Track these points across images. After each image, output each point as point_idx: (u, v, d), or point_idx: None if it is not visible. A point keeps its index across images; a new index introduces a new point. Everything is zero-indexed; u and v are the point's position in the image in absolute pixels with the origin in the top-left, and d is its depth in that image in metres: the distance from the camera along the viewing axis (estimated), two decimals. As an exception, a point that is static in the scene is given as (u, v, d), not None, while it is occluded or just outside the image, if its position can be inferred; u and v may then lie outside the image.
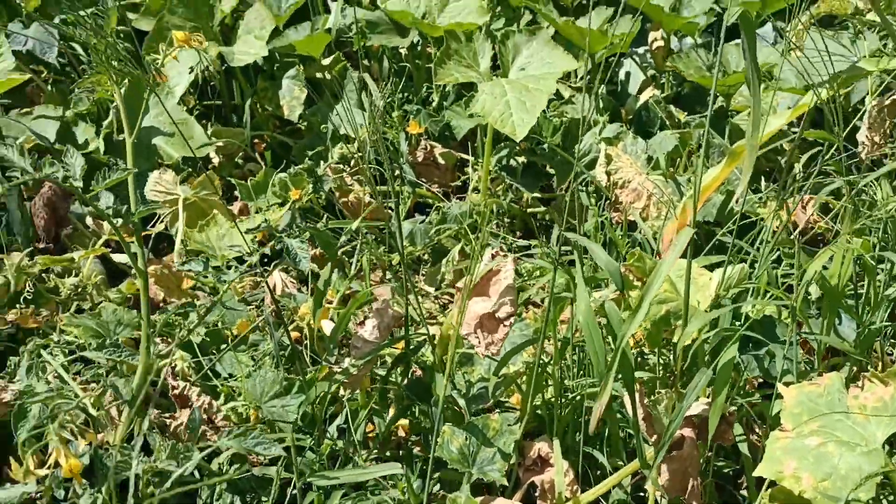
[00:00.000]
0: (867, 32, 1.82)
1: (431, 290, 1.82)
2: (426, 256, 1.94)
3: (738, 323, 1.18)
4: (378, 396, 1.27)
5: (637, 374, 1.17)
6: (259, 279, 1.79)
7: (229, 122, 2.33)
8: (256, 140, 2.28)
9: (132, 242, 1.00)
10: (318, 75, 2.27)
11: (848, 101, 1.87)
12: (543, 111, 1.84)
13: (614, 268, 1.01)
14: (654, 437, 1.06)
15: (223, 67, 2.25)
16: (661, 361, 1.27)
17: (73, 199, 1.73)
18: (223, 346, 1.41)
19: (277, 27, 2.22)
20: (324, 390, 1.12)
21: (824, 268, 1.16)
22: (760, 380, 1.37)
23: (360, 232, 1.72)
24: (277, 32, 2.22)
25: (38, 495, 0.90)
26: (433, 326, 1.37)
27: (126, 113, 1.02)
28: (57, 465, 0.72)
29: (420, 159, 2.19)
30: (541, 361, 1.14)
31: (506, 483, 1.07)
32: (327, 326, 1.40)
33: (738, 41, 2.03)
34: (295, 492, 1.11)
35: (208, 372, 1.31)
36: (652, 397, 1.08)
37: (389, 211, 2.02)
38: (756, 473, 0.95)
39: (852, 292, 1.25)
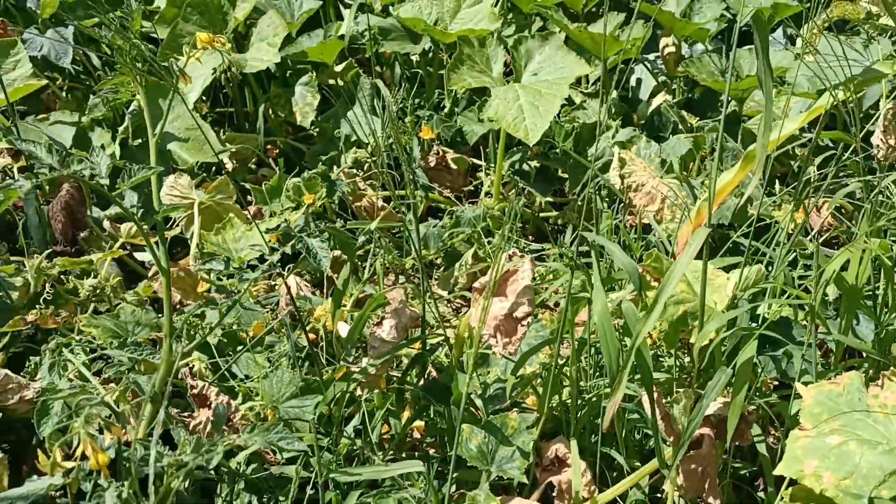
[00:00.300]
0: (879, 37, 1.82)
1: (444, 293, 1.82)
2: (439, 260, 1.95)
3: (754, 324, 1.18)
4: (395, 397, 1.27)
5: (654, 375, 1.17)
6: (273, 283, 1.80)
7: (242, 128, 2.35)
8: (269, 146, 2.30)
9: (155, 242, 1.01)
10: (331, 82, 2.29)
11: (860, 105, 1.87)
12: (556, 116, 1.85)
13: (632, 267, 1.01)
14: (673, 436, 1.06)
15: (227, 72, 2.26)
16: (678, 363, 1.27)
17: (92, 202, 1.75)
18: (239, 347, 1.41)
19: (290, 34, 2.23)
20: (342, 390, 1.12)
21: (842, 269, 1.16)
22: (776, 382, 1.37)
23: (374, 236, 1.73)
24: (290, 39, 2.24)
25: (58, 493, 0.91)
26: (448, 329, 1.37)
27: (149, 114, 1.03)
28: (84, 458, 0.73)
29: (432, 164, 2.20)
30: (557, 362, 1.14)
31: (525, 481, 1.07)
32: (342, 328, 1.41)
33: (750, 46, 2.04)
34: (312, 491, 1.11)
35: (225, 373, 1.32)
36: (670, 397, 1.08)
37: (402, 215, 2.03)
38: (777, 472, 0.95)
39: (870, 293, 1.25)
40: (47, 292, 1.30)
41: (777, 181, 1.79)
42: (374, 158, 2.01)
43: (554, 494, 1.13)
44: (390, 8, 2.28)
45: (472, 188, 2.18)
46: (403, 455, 1.30)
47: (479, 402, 1.21)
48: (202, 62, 1.97)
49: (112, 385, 1.09)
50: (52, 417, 0.91)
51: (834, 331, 1.18)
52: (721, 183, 1.33)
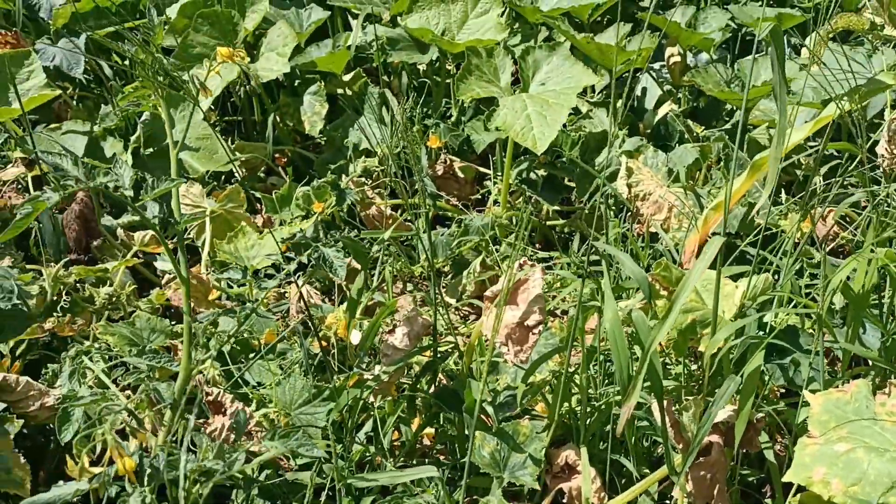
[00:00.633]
0: (883, 48, 1.84)
1: (453, 301, 1.84)
2: (447, 269, 1.97)
3: (762, 332, 1.19)
4: (406, 404, 1.28)
5: (663, 382, 1.19)
6: (283, 291, 1.82)
7: (250, 137, 2.37)
8: (278, 155, 2.32)
9: (176, 250, 1.03)
10: (339, 91, 2.31)
11: (864, 116, 1.89)
12: (563, 125, 1.87)
13: (642, 276, 1.03)
14: (682, 443, 1.08)
15: (247, 84, 2.29)
16: (686, 371, 1.29)
17: (104, 211, 1.77)
18: (251, 355, 1.43)
19: (299, 44, 2.26)
20: (355, 396, 1.14)
21: (848, 278, 1.18)
22: (784, 390, 1.38)
23: (384, 244, 1.75)
24: (299, 50, 2.26)
25: (78, 501, 0.92)
26: (458, 336, 1.39)
27: (169, 126, 1.05)
28: (111, 462, 0.75)
29: (440, 173, 2.22)
30: (567, 370, 1.15)
31: (537, 487, 1.08)
32: (354, 336, 1.42)
33: (754, 56, 2.06)
34: (325, 498, 1.13)
35: (238, 380, 1.33)
36: (679, 405, 1.10)
37: (411, 224, 2.05)
38: (785, 479, 0.96)
39: (876, 302, 1.27)
40: (64, 300, 1.32)
41: (783, 191, 1.81)
42: (383, 167, 2.03)
43: (564, 501, 1.15)
44: (398, 18, 2.31)
45: (480, 197, 2.20)
46: (414, 462, 1.32)
47: (489, 410, 1.23)
48: (219, 74, 2.00)
49: (130, 392, 1.11)
50: (73, 424, 0.93)
51: (841, 339, 1.20)
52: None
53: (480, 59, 2.01)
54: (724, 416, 1.07)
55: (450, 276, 1.95)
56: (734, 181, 1.34)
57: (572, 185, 2.05)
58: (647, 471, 1.19)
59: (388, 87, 2.35)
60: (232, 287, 1.63)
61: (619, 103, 2.10)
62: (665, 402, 1.04)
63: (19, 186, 1.84)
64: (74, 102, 2.32)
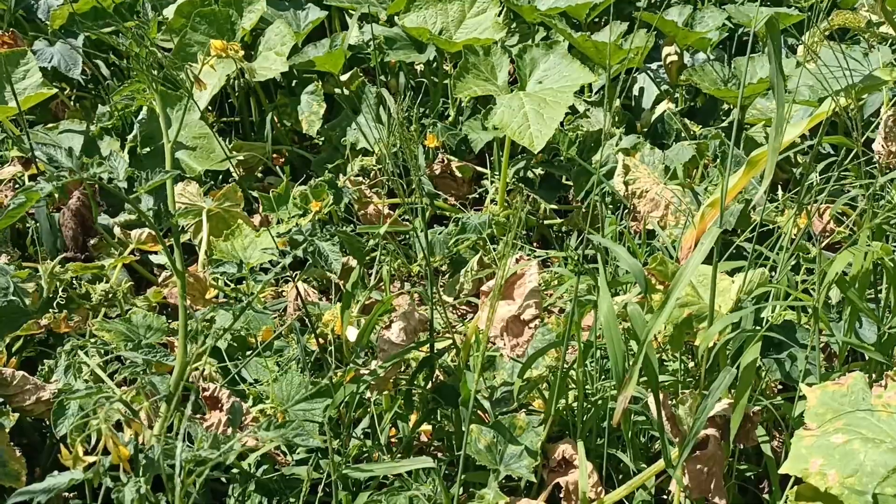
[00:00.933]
0: (879, 46, 1.85)
1: (450, 299, 1.84)
2: (444, 267, 1.97)
3: (758, 327, 1.19)
4: (403, 400, 1.28)
5: (660, 377, 1.19)
6: (279, 289, 1.82)
7: (248, 138, 2.37)
8: (275, 154, 2.32)
9: (170, 245, 1.03)
10: (337, 91, 2.31)
11: (861, 114, 1.89)
12: (560, 124, 1.88)
13: (638, 269, 1.03)
14: (678, 437, 1.08)
15: (242, 78, 2.29)
16: (683, 366, 1.29)
17: (100, 210, 1.77)
18: (247, 352, 1.43)
19: (296, 44, 2.26)
20: (352, 392, 1.14)
21: (844, 273, 1.18)
22: (781, 385, 1.38)
23: (380, 243, 1.75)
24: (296, 49, 2.27)
25: (71, 495, 0.92)
26: (456, 334, 1.39)
27: (164, 119, 1.05)
28: (105, 452, 0.75)
29: (437, 172, 2.22)
30: (564, 365, 1.15)
31: (533, 479, 1.08)
32: (351, 333, 1.42)
33: (751, 55, 2.07)
34: (322, 493, 1.12)
35: (235, 377, 1.33)
36: (675, 399, 1.10)
37: (408, 222, 2.05)
38: (782, 471, 0.96)
39: (872, 296, 1.27)
40: (61, 297, 1.32)
41: (779, 187, 1.81)
42: (381, 166, 2.03)
43: (561, 495, 1.14)
44: (395, 18, 2.31)
45: (477, 196, 2.20)
46: (411, 457, 1.31)
47: (486, 405, 1.23)
48: (213, 70, 2.01)
49: (126, 387, 1.10)
50: (69, 417, 0.93)
51: (837, 334, 1.20)
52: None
53: (478, 58, 2.01)
54: (721, 410, 1.07)
55: (447, 275, 1.95)
56: (731, 178, 1.34)
57: (569, 183, 2.05)
58: (644, 465, 1.19)
59: (385, 87, 2.35)
60: (229, 285, 1.63)
61: (618, 102, 2.11)
62: (661, 396, 1.04)
63: (16, 185, 1.84)
64: (71, 102, 2.32)
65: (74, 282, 1.38)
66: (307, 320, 1.35)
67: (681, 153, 1.73)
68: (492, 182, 2.15)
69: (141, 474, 0.74)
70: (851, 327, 1.19)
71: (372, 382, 1.17)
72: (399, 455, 1.30)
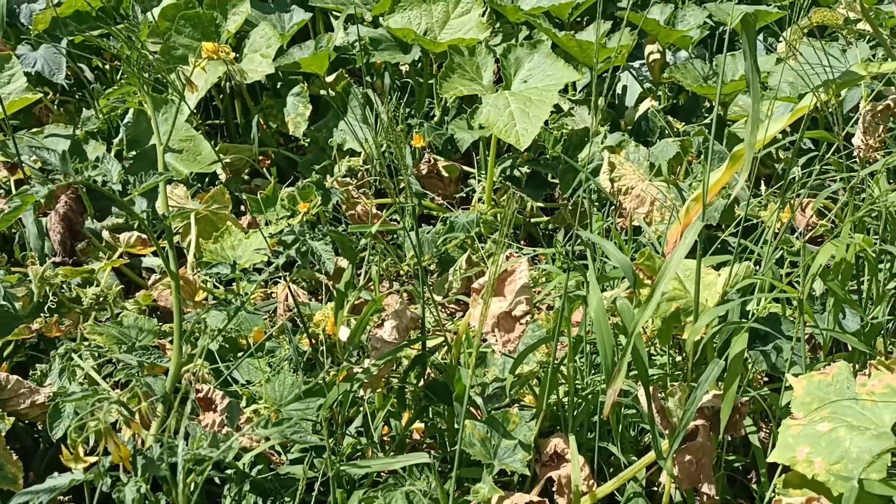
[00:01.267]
0: (857, 42, 1.88)
1: (440, 298, 1.85)
2: (433, 267, 1.98)
3: (745, 320, 1.21)
4: (395, 398, 1.29)
5: (649, 370, 1.21)
6: (269, 291, 1.83)
7: (234, 140, 2.37)
8: (262, 156, 2.32)
9: (164, 247, 1.04)
10: (322, 92, 2.32)
11: (840, 108, 1.93)
12: (545, 122, 1.89)
13: (627, 264, 1.04)
14: (668, 429, 1.09)
15: (231, 81, 2.29)
16: (671, 360, 1.30)
17: (87, 214, 1.76)
18: (239, 354, 1.43)
19: (282, 46, 2.26)
20: (345, 390, 1.15)
21: (827, 265, 1.20)
22: (767, 377, 1.40)
23: (369, 243, 1.76)
24: (282, 51, 2.27)
25: (66, 499, 0.92)
26: (447, 332, 1.40)
27: (155, 122, 1.06)
28: (106, 452, 0.75)
29: (424, 172, 2.24)
30: (554, 360, 1.17)
31: (527, 472, 1.09)
32: (342, 332, 1.43)
33: (732, 52, 2.10)
34: (318, 493, 1.13)
35: (227, 378, 1.34)
36: (664, 391, 1.11)
37: (396, 222, 2.06)
38: (770, 459, 0.98)
39: (855, 288, 1.29)
40: (51, 301, 1.32)
41: (763, 182, 1.84)
42: (367, 167, 2.04)
43: (554, 489, 1.16)
44: (380, 19, 2.32)
45: (464, 195, 2.22)
46: (406, 454, 1.32)
47: (479, 401, 1.24)
48: (202, 72, 2.01)
49: (120, 389, 1.11)
50: (65, 420, 0.93)
51: (821, 325, 1.22)
52: (709, 183, 1.37)
53: (463, 58, 2.03)
54: (709, 401, 1.09)
55: (436, 274, 1.96)
56: (714, 173, 1.36)
57: (555, 181, 2.07)
58: (635, 458, 1.21)
59: (371, 88, 2.36)
60: (218, 287, 1.63)
61: (601, 100, 2.13)
62: (651, 389, 1.06)
63: (1, 190, 1.83)
64: (55, 107, 2.31)
65: (64, 286, 1.38)
66: (298, 321, 1.36)
67: (665, 150, 1.75)
68: (479, 181, 2.17)
69: (141, 474, 0.75)
70: (835, 318, 1.21)
71: (365, 381, 1.18)
72: (392, 452, 1.31)
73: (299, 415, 1.16)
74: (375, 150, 1.44)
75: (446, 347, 1.33)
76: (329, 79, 2.32)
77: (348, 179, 2.07)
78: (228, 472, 1.11)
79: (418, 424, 1.37)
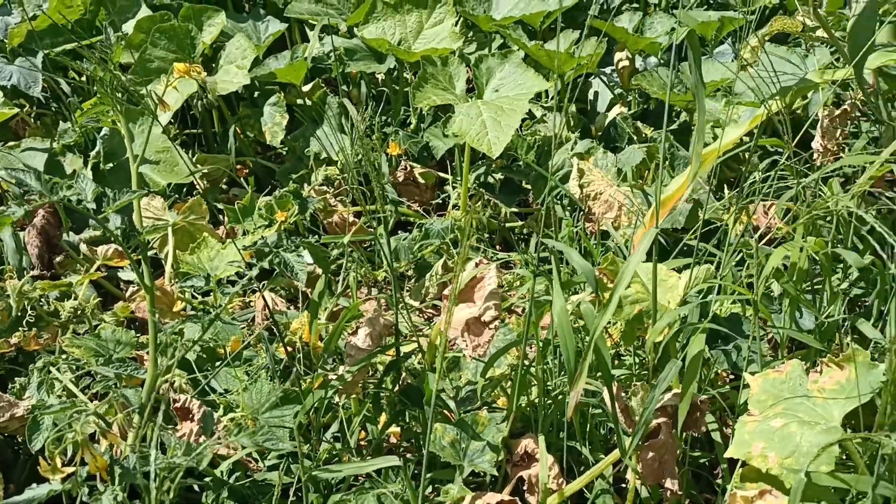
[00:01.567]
0: (819, 48, 1.94)
1: (416, 303, 1.88)
2: (410, 273, 2.01)
3: (706, 321, 1.26)
4: (371, 403, 1.32)
5: (615, 372, 1.25)
6: (247, 300, 1.85)
7: (211, 150, 2.39)
8: (239, 166, 2.35)
9: (139, 260, 1.06)
10: (299, 102, 2.35)
11: (806, 112, 1.98)
12: (517, 130, 1.93)
13: (588, 269, 1.08)
14: (632, 427, 1.13)
15: (203, 98, 2.32)
16: (637, 360, 1.35)
17: (64, 228, 1.78)
18: (217, 363, 1.46)
19: (258, 57, 2.29)
20: (321, 397, 1.18)
21: (784, 266, 1.25)
22: (733, 375, 1.45)
23: (346, 250, 1.79)
24: (258, 62, 2.30)
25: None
26: (422, 337, 1.44)
27: (129, 140, 1.08)
28: (83, 463, 0.77)
29: (401, 179, 2.27)
30: (523, 363, 1.21)
31: (495, 473, 1.13)
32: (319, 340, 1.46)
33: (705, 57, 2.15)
34: (294, 498, 1.16)
35: (205, 388, 1.36)
36: (628, 391, 1.16)
37: (372, 231, 2.09)
38: (727, 455, 1.02)
39: (810, 288, 1.34)
40: (30, 315, 1.34)
41: (725, 186, 1.89)
42: (344, 175, 2.07)
43: (525, 488, 1.20)
44: (355, 29, 2.35)
45: (440, 201, 2.25)
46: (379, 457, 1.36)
47: (451, 405, 1.27)
48: (176, 89, 2.03)
49: (97, 402, 1.13)
50: (44, 432, 0.95)
51: (778, 324, 1.27)
52: (671, 189, 1.42)
53: (436, 68, 2.06)
54: (671, 400, 1.13)
55: (413, 280, 2.00)
56: (677, 178, 1.41)
57: (529, 187, 2.11)
58: (603, 456, 1.25)
59: (347, 97, 2.39)
60: (196, 298, 1.65)
61: (572, 107, 2.17)
62: (615, 389, 1.10)
63: (-21, 205, 1.85)
64: (32, 120, 2.32)
65: (42, 299, 1.40)
66: (275, 329, 1.39)
67: (632, 156, 1.80)
68: (454, 187, 2.20)
69: (117, 483, 0.78)
70: (792, 318, 1.26)
71: (340, 387, 1.21)
72: (369, 457, 1.34)
73: (276, 422, 1.19)
74: (350, 159, 1.48)
75: (421, 352, 1.37)
76: (305, 88, 2.35)
77: (325, 188, 2.10)
78: (207, 479, 1.13)
79: (395, 429, 1.40)
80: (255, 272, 1.07)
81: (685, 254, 1.43)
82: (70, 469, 0.79)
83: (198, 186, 2.17)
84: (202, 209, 1.88)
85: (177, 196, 2.10)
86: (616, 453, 1.13)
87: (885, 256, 1.28)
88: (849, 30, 1.52)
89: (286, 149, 2.32)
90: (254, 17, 2.48)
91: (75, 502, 0.81)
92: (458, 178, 2.17)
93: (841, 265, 1.33)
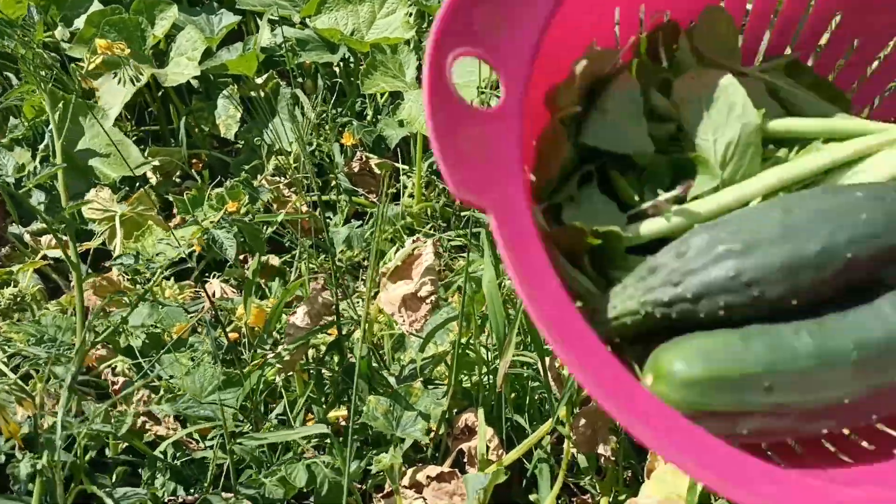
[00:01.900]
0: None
1: (365, 288, 1.89)
2: (366, 262, 2.02)
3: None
4: (314, 384, 1.33)
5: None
6: (198, 290, 1.84)
7: (168, 145, 2.38)
8: (195, 160, 2.34)
9: (65, 237, 1.06)
10: (253, 94, 2.34)
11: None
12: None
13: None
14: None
15: (160, 94, 2.31)
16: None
17: (10, 220, 1.76)
18: (163, 350, 1.46)
19: (211, 49, 2.29)
20: (265, 379, 1.18)
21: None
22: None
23: (298, 241, 1.79)
24: (210, 53, 2.29)
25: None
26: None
27: (56, 120, 1.08)
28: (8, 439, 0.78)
29: (356, 170, 2.28)
30: (460, 339, 1.22)
31: (426, 440, 1.14)
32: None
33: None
34: (227, 474, 1.16)
35: (149, 374, 1.36)
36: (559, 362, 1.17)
37: (328, 219, 2.10)
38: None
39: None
40: (-34, 303, 1.33)
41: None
42: (296, 164, 2.08)
43: (465, 460, 1.21)
44: (307, 20, 2.36)
45: (395, 191, 2.26)
46: (328, 441, 1.36)
47: (392, 381, 1.28)
48: (122, 81, 2.02)
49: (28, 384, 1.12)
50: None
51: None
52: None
53: (385, 56, 2.07)
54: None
55: (368, 267, 2.00)
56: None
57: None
58: (544, 429, 1.27)
59: (300, 88, 2.39)
60: (138, 282, 1.64)
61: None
62: (548, 359, 1.12)
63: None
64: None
65: (-18, 289, 1.39)
66: (218, 315, 1.39)
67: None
68: (409, 176, 2.21)
69: (37, 451, 0.78)
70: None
71: (278, 365, 1.22)
72: (315, 440, 1.35)
73: (218, 405, 1.19)
74: (302, 149, 1.48)
75: (363, 332, 1.37)
76: (259, 80, 2.35)
77: (278, 178, 2.10)
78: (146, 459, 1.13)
79: (343, 412, 1.41)
80: (194, 258, 1.07)
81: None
82: (-19, 436, 0.79)
83: (150, 179, 2.16)
84: (150, 201, 1.87)
85: (128, 189, 2.09)
86: (550, 422, 1.15)
87: None
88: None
89: (242, 141, 2.31)
90: (207, 10, 2.48)
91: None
92: (413, 167, 2.18)
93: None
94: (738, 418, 0.70)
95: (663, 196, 0.81)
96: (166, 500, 1.04)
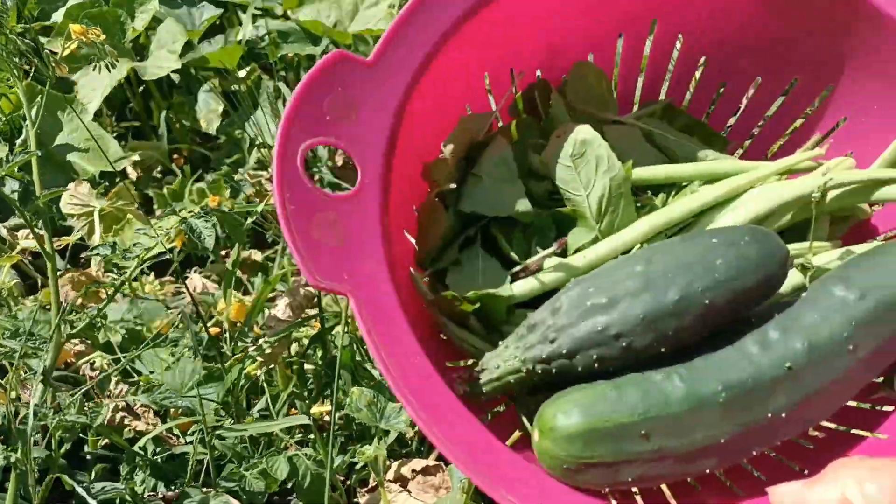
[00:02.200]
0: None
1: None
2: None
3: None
4: (297, 378, 1.31)
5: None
6: (180, 286, 1.82)
7: (149, 139, 2.35)
8: (176, 155, 2.31)
9: (40, 230, 1.03)
10: (235, 87, 2.32)
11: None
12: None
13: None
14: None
15: (141, 89, 2.28)
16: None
17: (-13, 214, 1.73)
18: (143, 345, 1.43)
19: (191, 41, 2.26)
20: (239, 368, 1.16)
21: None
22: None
23: (281, 234, 1.77)
24: (191, 46, 2.26)
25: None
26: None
27: (27, 107, 1.06)
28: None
29: (339, 164, 2.26)
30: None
31: (411, 432, 1.12)
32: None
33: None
34: (208, 468, 1.14)
35: (129, 369, 1.33)
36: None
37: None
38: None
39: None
40: (-60, 299, 1.30)
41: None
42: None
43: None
44: (289, 12, 2.34)
45: (380, 184, 2.25)
46: (311, 436, 1.34)
47: (376, 374, 1.27)
48: (101, 74, 1.99)
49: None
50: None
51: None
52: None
53: (369, 47, 2.06)
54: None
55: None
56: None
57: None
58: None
59: (283, 81, 2.37)
60: (117, 277, 1.62)
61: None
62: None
63: None
64: (-43, 110, 2.25)
65: (-44, 284, 1.36)
66: (197, 307, 1.37)
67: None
68: (392, 170, 2.20)
69: (11, 443, 0.76)
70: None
71: (259, 359, 1.20)
72: (299, 434, 1.33)
73: (198, 400, 1.17)
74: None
75: (346, 324, 1.36)
76: (241, 74, 2.32)
77: (261, 172, 2.08)
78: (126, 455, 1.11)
79: (327, 407, 1.39)
80: (176, 252, 1.05)
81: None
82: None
83: (130, 174, 2.13)
84: (130, 195, 1.85)
85: (108, 184, 2.06)
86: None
87: None
88: None
89: (224, 136, 2.29)
90: (188, 2, 2.45)
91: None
92: (397, 160, 2.17)
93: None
94: (621, 466, 0.72)
95: (539, 255, 0.86)
96: (146, 496, 1.02)
